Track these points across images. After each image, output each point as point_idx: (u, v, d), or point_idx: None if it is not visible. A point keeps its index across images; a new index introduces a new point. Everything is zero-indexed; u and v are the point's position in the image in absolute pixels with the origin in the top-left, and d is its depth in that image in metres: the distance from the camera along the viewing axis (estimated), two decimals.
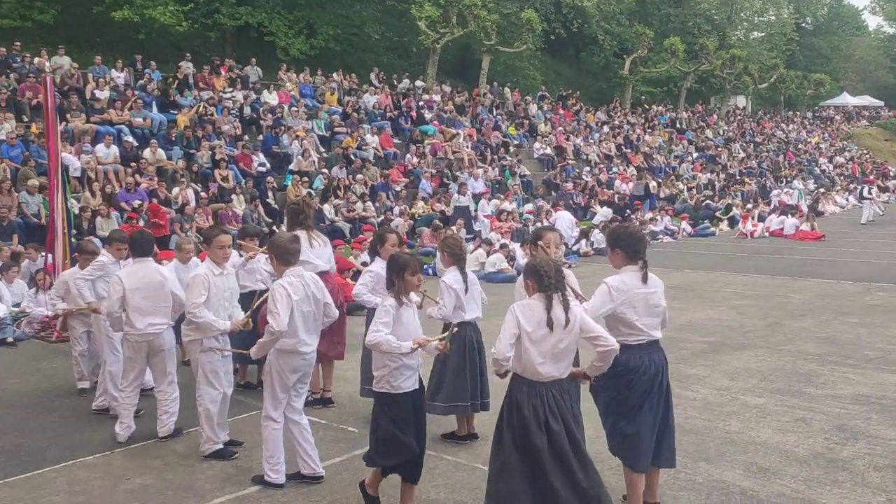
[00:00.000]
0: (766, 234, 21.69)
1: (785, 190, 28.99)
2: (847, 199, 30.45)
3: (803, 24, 56.35)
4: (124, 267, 6.56)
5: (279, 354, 5.05)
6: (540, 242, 5.29)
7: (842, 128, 46.71)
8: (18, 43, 19.31)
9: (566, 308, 4.07)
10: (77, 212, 13.96)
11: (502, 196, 21.41)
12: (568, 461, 4.03)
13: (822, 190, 30.96)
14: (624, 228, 4.90)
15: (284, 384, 5.09)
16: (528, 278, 4.21)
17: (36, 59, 18.65)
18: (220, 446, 5.75)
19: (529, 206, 21.06)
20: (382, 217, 18.17)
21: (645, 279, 4.56)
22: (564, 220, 18.70)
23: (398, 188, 20.07)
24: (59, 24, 24.31)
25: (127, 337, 6.15)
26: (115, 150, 16.31)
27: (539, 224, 18.51)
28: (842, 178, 35.13)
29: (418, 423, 4.63)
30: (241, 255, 7.18)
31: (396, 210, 18.66)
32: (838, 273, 14.78)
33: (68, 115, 16.30)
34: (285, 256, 5.07)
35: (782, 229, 21.69)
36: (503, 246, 15.72)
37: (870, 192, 25.64)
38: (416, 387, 4.62)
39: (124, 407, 6.18)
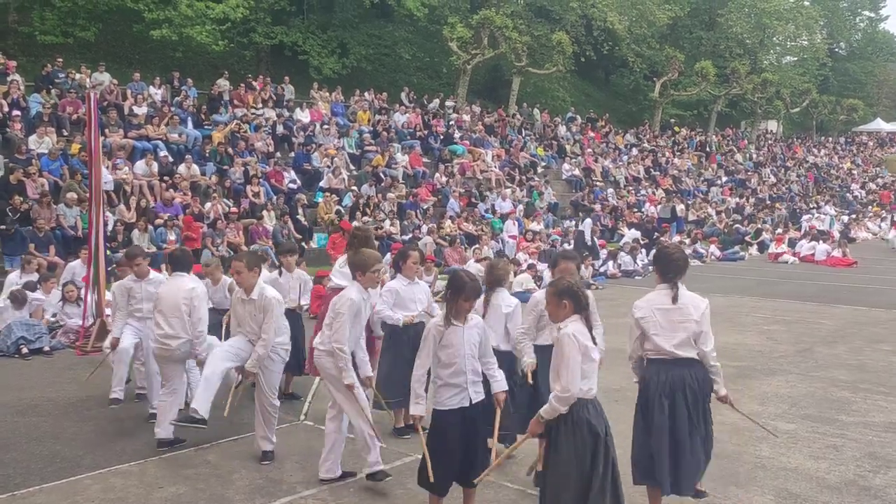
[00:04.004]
0: (796, 259, 21.44)
1: (816, 215, 28.67)
2: (880, 226, 30.03)
3: (837, 50, 55.89)
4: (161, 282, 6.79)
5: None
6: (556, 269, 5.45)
7: (875, 154, 46.10)
8: (61, 59, 19.80)
9: (590, 328, 4.22)
10: (112, 225, 14.25)
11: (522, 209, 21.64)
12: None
13: (853, 216, 30.58)
14: (663, 250, 5.01)
15: (361, 392, 5.41)
16: (564, 299, 4.20)
17: (77, 75, 19.12)
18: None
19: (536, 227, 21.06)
20: (410, 235, 18.29)
21: (674, 300, 4.64)
22: (586, 227, 19.16)
23: (426, 206, 20.20)
24: (99, 41, 24.91)
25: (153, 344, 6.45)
26: (154, 166, 16.64)
27: (566, 246, 18.54)
28: (874, 204, 34.63)
29: (467, 438, 4.61)
30: (278, 271, 7.41)
31: (424, 228, 18.78)
32: (870, 300, 14.59)
33: (107, 130, 16.66)
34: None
35: (813, 255, 21.44)
36: (531, 266, 15.72)
37: None
38: (465, 405, 4.59)
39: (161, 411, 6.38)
